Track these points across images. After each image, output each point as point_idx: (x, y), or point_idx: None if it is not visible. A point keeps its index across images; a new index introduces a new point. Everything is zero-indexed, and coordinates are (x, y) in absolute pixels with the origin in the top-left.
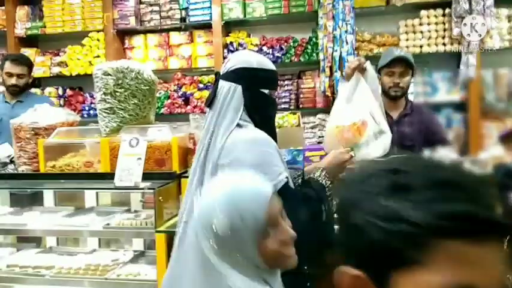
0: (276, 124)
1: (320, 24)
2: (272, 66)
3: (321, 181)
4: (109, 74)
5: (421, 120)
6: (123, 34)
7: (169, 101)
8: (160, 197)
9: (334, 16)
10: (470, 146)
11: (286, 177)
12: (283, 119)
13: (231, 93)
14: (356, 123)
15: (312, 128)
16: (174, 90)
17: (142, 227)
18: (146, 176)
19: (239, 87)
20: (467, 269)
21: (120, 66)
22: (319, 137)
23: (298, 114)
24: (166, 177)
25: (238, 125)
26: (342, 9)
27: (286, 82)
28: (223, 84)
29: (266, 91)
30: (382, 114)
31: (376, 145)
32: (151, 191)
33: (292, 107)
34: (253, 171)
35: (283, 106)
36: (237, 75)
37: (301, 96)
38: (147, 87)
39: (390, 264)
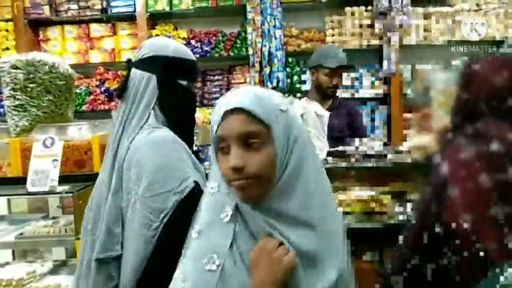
0: (206, 120)
1: (248, 19)
2: (192, 56)
3: None
4: (18, 68)
5: (347, 113)
6: (36, 25)
7: (91, 97)
8: (81, 201)
9: (262, 11)
10: (392, 137)
11: (195, 182)
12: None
13: (144, 83)
14: None
15: None
16: (96, 86)
17: (61, 234)
18: (64, 179)
19: (153, 77)
20: None
21: (31, 58)
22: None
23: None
24: (86, 179)
25: (147, 122)
26: (270, 4)
27: (216, 77)
28: (136, 73)
29: (184, 83)
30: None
31: None
32: (70, 194)
33: None
34: (156, 177)
35: (213, 102)
36: (152, 64)
37: None
38: (63, 82)
39: None
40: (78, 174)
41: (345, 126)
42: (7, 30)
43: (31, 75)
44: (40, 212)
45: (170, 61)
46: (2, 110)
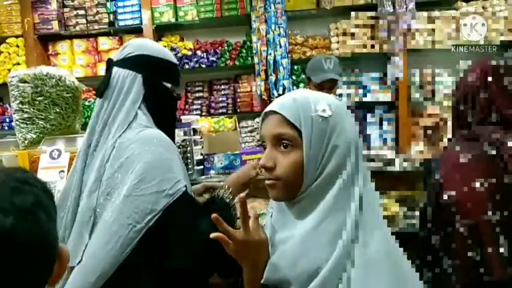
0: (212, 129)
1: (253, 28)
2: (175, 60)
3: (225, 199)
4: (26, 81)
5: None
6: (46, 40)
7: None
8: None
9: (266, 19)
10: (400, 143)
11: (185, 186)
12: (219, 124)
13: (128, 82)
14: None
15: (251, 131)
16: None
17: None
18: None
19: (139, 76)
20: None
21: (39, 72)
22: (258, 140)
23: (235, 118)
24: None
25: (136, 120)
26: (274, 12)
27: (223, 86)
28: (119, 72)
29: (169, 85)
30: None
31: None
32: None
33: (229, 111)
34: (147, 176)
35: (220, 111)
36: (137, 63)
37: (238, 100)
38: (70, 95)
39: None
40: None
41: None
42: (18, 46)
43: (38, 89)
44: None
45: (156, 61)
46: (12, 123)
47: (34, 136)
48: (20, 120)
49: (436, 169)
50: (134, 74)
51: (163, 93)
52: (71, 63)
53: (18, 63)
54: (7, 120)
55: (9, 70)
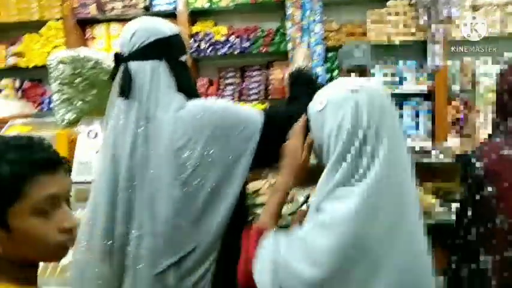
0: None
1: (288, 14)
2: (177, 29)
3: None
4: (65, 63)
5: None
6: (84, 23)
7: None
8: None
9: (301, 5)
10: (436, 134)
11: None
12: None
13: (155, 72)
14: None
15: None
16: None
17: None
18: None
19: (162, 63)
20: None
21: (77, 54)
22: None
23: (266, 105)
24: None
25: (177, 102)
26: None
27: (255, 73)
28: (141, 65)
29: (184, 58)
30: None
31: None
32: None
33: (261, 98)
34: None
35: (252, 97)
36: (155, 50)
37: (270, 87)
38: (107, 77)
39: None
40: None
41: None
42: (57, 29)
43: (77, 70)
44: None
45: (170, 41)
46: (51, 105)
47: (72, 117)
48: (59, 101)
49: (477, 161)
50: (158, 62)
51: (183, 69)
52: (107, 47)
53: (57, 46)
54: (47, 101)
55: (48, 53)
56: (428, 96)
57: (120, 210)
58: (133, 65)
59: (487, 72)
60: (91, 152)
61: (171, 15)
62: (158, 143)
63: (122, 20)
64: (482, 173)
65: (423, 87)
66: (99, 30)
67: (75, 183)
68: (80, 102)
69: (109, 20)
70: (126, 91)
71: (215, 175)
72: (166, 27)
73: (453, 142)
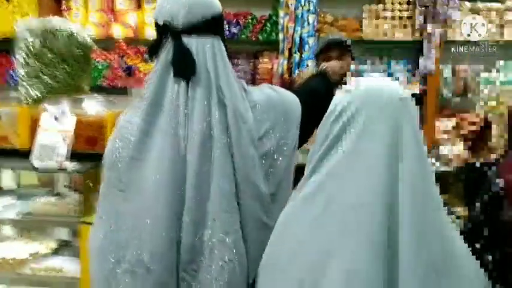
0: None
1: (281, 2)
2: None
3: None
4: (34, 32)
5: None
6: None
7: (110, 72)
8: (90, 182)
9: None
10: (424, 140)
11: None
12: None
13: (217, 50)
14: None
15: None
16: (116, 61)
17: (63, 215)
18: (72, 156)
19: (220, 41)
20: None
21: (49, 24)
22: None
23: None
24: (98, 158)
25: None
26: None
27: (240, 61)
28: (201, 42)
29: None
30: None
31: None
32: (78, 173)
33: None
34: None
35: None
36: (214, 26)
37: (258, 77)
38: (81, 52)
39: None
40: (89, 152)
41: None
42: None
43: (47, 42)
44: (49, 186)
45: (222, 18)
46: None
47: (38, 93)
48: (24, 76)
49: (495, 178)
50: (217, 39)
51: (227, 50)
52: (83, 21)
53: (28, 15)
54: (13, 74)
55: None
56: (419, 99)
57: (190, 218)
58: (192, 41)
59: (481, 79)
60: (57, 135)
61: None
62: (240, 133)
63: None
64: (502, 192)
65: (414, 90)
66: (75, 1)
67: (36, 169)
68: (48, 78)
69: None
70: (189, 71)
71: (285, 164)
72: (217, 2)
73: (447, 149)
